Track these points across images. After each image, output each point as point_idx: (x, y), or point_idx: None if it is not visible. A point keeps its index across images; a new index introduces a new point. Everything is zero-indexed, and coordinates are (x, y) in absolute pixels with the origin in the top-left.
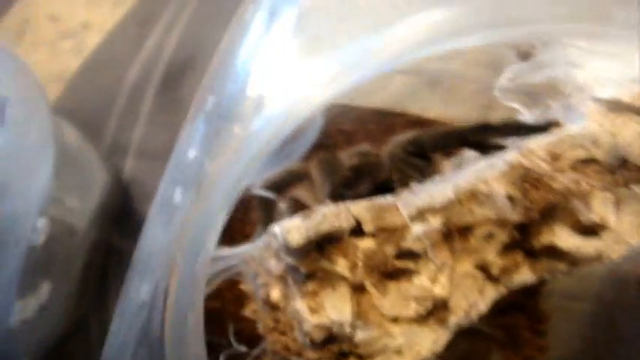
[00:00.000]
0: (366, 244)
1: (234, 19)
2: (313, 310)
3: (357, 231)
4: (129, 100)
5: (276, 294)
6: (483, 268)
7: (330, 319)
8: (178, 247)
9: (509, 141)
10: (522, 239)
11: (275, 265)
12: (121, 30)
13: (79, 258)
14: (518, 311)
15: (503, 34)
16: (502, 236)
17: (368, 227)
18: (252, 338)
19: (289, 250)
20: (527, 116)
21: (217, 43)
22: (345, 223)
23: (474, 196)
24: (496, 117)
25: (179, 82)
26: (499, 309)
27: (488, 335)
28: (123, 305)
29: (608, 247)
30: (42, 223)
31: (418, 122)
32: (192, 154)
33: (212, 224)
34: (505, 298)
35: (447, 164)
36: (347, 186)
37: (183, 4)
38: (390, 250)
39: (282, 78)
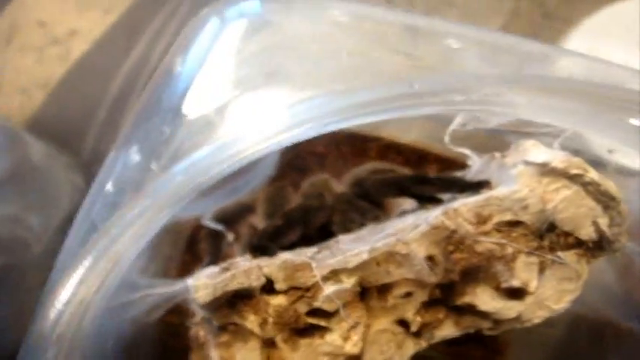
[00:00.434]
0: (277, 301)
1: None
2: None
3: (270, 287)
4: (112, 109)
5: (202, 334)
6: (404, 323)
7: None
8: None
9: (446, 195)
10: (445, 297)
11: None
12: (109, 38)
13: (36, 274)
14: (474, 341)
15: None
16: (421, 295)
17: (280, 286)
18: None
19: (200, 304)
20: (476, 163)
21: None
22: (256, 282)
23: (391, 256)
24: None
25: None
26: (455, 339)
27: None
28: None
29: (530, 312)
30: None
31: (391, 147)
32: (109, 187)
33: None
34: None
35: (395, 206)
36: (274, 236)
37: (173, 13)
38: (301, 307)
39: (226, 113)
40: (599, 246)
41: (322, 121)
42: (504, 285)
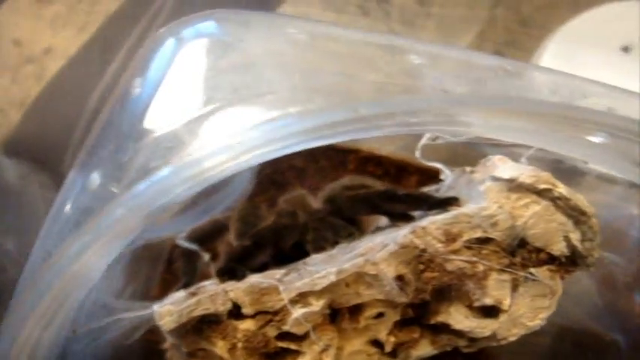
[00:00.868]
0: (245, 325)
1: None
2: None
3: (237, 312)
4: (89, 127)
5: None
6: (378, 343)
7: None
8: None
9: (416, 212)
10: (419, 316)
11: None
12: (84, 56)
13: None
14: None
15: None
16: (394, 315)
17: (247, 310)
18: None
19: (166, 331)
20: (449, 177)
21: None
22: (222, 307)
23: (360, 277)
24: None
25: None
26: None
27: None
28: None
29: (505, 329)
30: None
31: (371, 159)
32: (68, 209)
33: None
34: None
35: (370, 222)
36: (243, 258)
37: (147, 30)
38: (271, 331)
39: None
40: (571, 261)
41: (276, 146)
42: (477, 303)
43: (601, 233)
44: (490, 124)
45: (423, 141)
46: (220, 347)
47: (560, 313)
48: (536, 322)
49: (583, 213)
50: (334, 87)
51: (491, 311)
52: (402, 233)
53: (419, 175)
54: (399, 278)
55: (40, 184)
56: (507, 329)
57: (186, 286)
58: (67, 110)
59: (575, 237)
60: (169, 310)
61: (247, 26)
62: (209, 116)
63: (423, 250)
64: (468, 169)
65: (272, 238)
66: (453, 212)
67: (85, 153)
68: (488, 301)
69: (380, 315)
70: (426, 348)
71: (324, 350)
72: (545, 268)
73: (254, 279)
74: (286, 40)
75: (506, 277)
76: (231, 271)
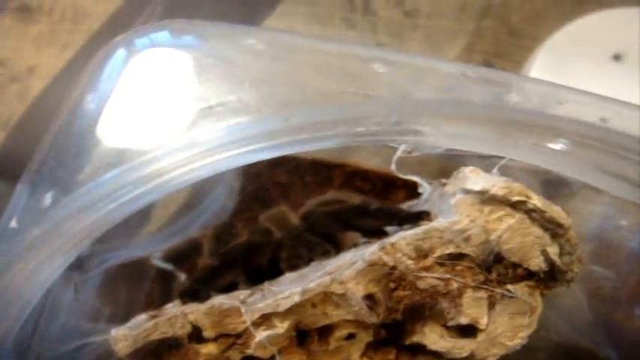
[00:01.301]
0: (207, 349)
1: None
2: None
3: (198, 335)
4: None
5: None
6: None
7: None
8: None
9: (390, 227)
10: (394, 336)
11: None
12: (68, 74)
13: None
14: None
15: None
16: (365, 336)
17: (208, 333)
18: None
19: (121, 357)
20: (426, 191)
21: None
22: (181, 331)
23: (327, 297)
24: None
25: None
26: None
27: None
28: None
29: (484, 349)
30: None
31: (357, 173)
32: (13, 223)
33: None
34: None
35: (348, 239)
36: (208, 279)
37: None
38: (234, 355)
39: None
40: (551, 276)
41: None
42: (452, 323)
43: (591, 245)
44: (443, 132)
45: (398, 154)
46: None
47: (550, 329)
48: (516, 341)
49: (560, 225)
50: (286, 97)
51: (468, 331)
52: (371, 250)
53: (406, 189)
54: (369, 297)
55: None
56: (486, 349)
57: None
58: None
59: (552, 251)
60: (124, 335)
61: (203, 37)
62: (158, 127)
63: (393, 268)
64: (443, 181)
65: (242, 256)
66: (424, 227)
67: (33, 167)
68: (463, 320)
69: (351, 336)
70: None
71: None
72: (523, 284)
73: (216, 300)
74: (240, 51)
75: (482, 294)
76: (194, 293)
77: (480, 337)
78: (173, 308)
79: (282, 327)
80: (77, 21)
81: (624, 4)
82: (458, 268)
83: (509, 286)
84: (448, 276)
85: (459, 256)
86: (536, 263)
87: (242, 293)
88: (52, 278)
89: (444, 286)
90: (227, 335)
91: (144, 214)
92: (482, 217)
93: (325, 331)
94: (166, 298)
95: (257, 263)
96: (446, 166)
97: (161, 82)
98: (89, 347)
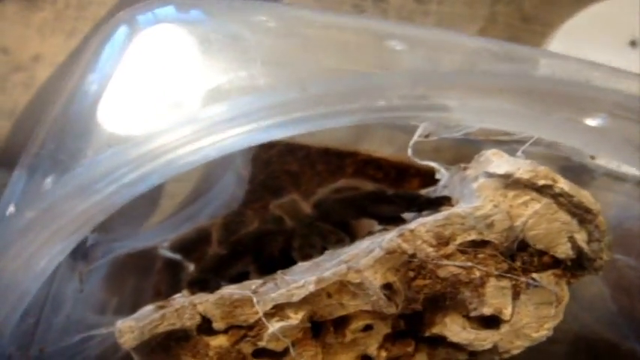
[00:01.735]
0: (217, 342)
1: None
2: None
3: (208, 327)
4: None
5: None
6: (369, 359)
7: None
8: None
9: (408, 214)
10: (413, 328)
11: None
12: (72, 62)
13: None
14: None
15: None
16: (384, 328)
17: (218, 325)
18: None
19: (127, 350)
20: (444, 177)
21: None
22: (190, 322)
23: (343, 287)
24: None
25: None
26: None
27: None
28: None
29: (508, 342)
30: None
31: (370, 162)
32: (11, 208)
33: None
34: None
35: (363, 227)
36: (217, 268)
37: None
38: (246, 348)
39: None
40: (578, 265)
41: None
42: (475, 313)
43: (611, 234)
44: (470, 106)
45: (415, 138)
46: None
47: (572, 321)
48: (542, 332)
49: (588, 211)
50: (300, 75)
51: (491, 322)
52: (389, 237)
53: (420, 177)
54: (387, 287)
55: None
56: (510, 341)
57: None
58: None
59: (580, 237)
60: (130, 327)
61: (210, 13)
62: (162, 107)
63: (413, 256)
64: (462, 165)
65: (253, 245)
66: (444, 213)
67: (31, 150)
68: (486, 310)
69: (368, 327)
70: None
71: None
72: (549, 272)
73: (226, 290)
74: (250, 27)
75: (505, 283)
76: (203, 283)
77: (504, 328)
78: (181, 298)
79: (296, 318)
80: (82, 8)
81: None
82: (480, 255)
83: (534, 275)
84: (470, 264)
85: (481, 244)
86: (563, 250)
87: (253, 283)
88: (53, 265)
89: (465, 274)
90: (238, 327)
91: (151, 203)
92: (506, 202)
93: (341, 323)
94: (174, 289)
95: (268, 252)
96: (461, 153)
97: (165, 61)
98: (95, 340)
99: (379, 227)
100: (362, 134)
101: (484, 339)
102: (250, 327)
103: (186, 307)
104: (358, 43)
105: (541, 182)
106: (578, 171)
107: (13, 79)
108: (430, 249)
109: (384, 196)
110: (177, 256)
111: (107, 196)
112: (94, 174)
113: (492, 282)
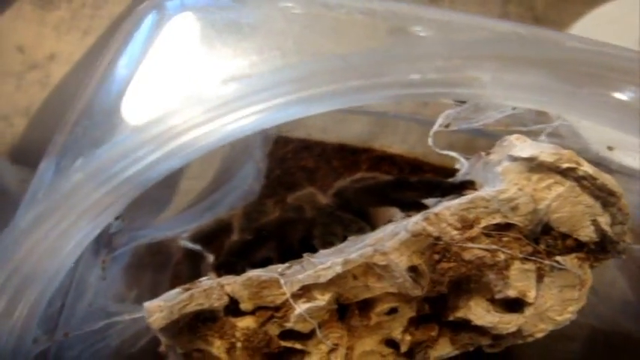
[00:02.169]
0: (244, 323)
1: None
2: None
3: (235, 308)
4: None
5: None
6: (393, 343)
7: None
8: None
9: (430, 200)
10: (437, 311)
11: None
12: (89, 61)
13: None
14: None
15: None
16: (408, 311)
17: (245, 306)
18: None
19: (156, 329)
20: (464, 166)
21: None
22: (218, 302)
23: (369, 269)
24: None
25: None
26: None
27: None
28: None
29: (532, 325)
30: None
31: (384, 158)
32: (40, 194)
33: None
34: None
35: (383, 216)
36: (243, 252)
37: None
38: (273, 329)
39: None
40: (601, 248)
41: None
42: (499, 296)
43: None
44: (504, 80)
45: (435, 128)
46: (218, 347)
47: (589, 313)
48: (566, 315)
49: (612, 194)
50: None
51: (515, 305)
52: (414, 220)
53: (434, 173)
54: (412, 269)
55: None
56: (534, 324)
57: None
58: None
59: (604, 220)
60: (159, 306)
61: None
62: (190, 93)
63: (438, 239)
64: (484, 153)
65: (276, 231)
66: (469, 196)
67: (59, 137)
68: (511, 293)
69: (393, 311)
70: (445, 348)
71: (333, 350)
72: (572, 255)
73: (253, 272)
74: (281, 14)
75: (530, 266)
76: (229, 265)
77: (528, 311)
78: (208, 280)
79: (322, 299)
80: (97, 7)
81: None
82: (505, 239)
83: (558, 258)
84: (495, 247)
85: (505, 227)
86: (587, 233)
87: (279, 266)
88: (80, 248)
89: (490, 257)
90: (265, 308)
91: (171, 191)
92: (530, 186)
93: (366, 306)
94: (194, 280)
95: (290, 240)
96: (475, 148)
97: (194, 47)
98: (116, 327)
99: (401, 214)
100: (377, 132)
101: (508, 322)
102: (277, 308)
103: (214, 287)
104: (385, 28)
105: (565, 165)
106: (593, 164)
107: (29, 77)
108: (455, 232)
109: (406, 183)
110: (197, 247)
111: (128, 179)
112: (113, 155)
113: (517, 265)
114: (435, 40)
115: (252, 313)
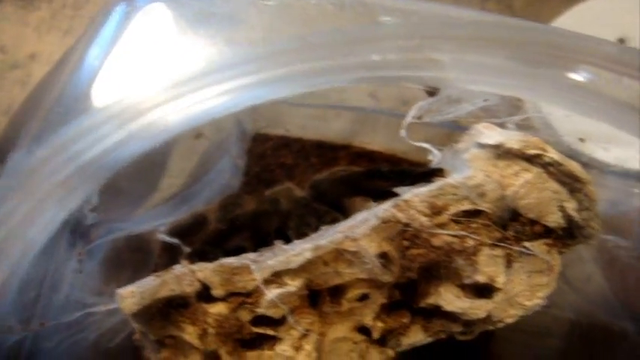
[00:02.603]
0: (216, 309)
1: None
2: None
3: (208, 295)
4: None
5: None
6: (365, 330)
7: None
8: None
9: (401, 188)
10: (408, 298)
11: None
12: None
13: None
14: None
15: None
16: (379, 297)
17: (217, 292)
18: None
19: (128, 315)
20: (436, 157)
21: None
22: (189, 288)
23: (339, 255)
24: None
25: None
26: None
27: None
28: None
29: (501, 310)
30: None
31: (362, 155)
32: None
33: None
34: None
35: (357, 207)
36: (216, 241)
37: None
38: (244, 315)
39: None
40: (569, 233)
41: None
42: (468, 281)
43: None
44: (465, 61)
45: (408, 119)
46: (190, 333)
47: (567, 307)
48: (535, 301)
49: (578, 180)
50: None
51: (484, 290)
52: (384, 207)
53: None
54: (382, 255)
55: None
56: (503, 310)
57: None
58: None
59: (571, 206)
60: (132, 292)
61: None
62: (158, 83)
63: (407, 225)
64: (454, 143)
65: (251, 223)
66: (438, 183)
67: (32, 126)
68: (480, 278)
69: (364, 297)
70: (417, 335)
71: (304, 336)
72: (540, 241)
73: (225, 260)
74: (252, 3)
75: (498, 252)
76: (203, 254)
77: (497, 297)
78: (181, 268)
79: (293, 285)
80: (78, 7)
81: None
82: (473, 225)
83: (526, 244)
84: (464, 233)
85: (474, 213)
86: (554, 219)
87: (251, 254)
88: (45, 234)
89: (459, 243)
90: (237, 294)
91: (150, 187)
92: (497, 172)
93: (337, 292)
94: None
95: (265, 231)
96: (452, 142)
97: (163, 37)
98: (94, 318)
99: (374, 204)
100: (356, 129)
101: (478, 307)
102: (249, 294)
103: (186, 273)
104: (354, 19)
105: (531, 152)
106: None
107: (9, 76)
108: (424, 218)
109: (378, 173)
110: (174, 241)
111: (94, 159)
112: (77, 132)
113: (485, 251)
114: (396, 23)
115: (223, 299)
